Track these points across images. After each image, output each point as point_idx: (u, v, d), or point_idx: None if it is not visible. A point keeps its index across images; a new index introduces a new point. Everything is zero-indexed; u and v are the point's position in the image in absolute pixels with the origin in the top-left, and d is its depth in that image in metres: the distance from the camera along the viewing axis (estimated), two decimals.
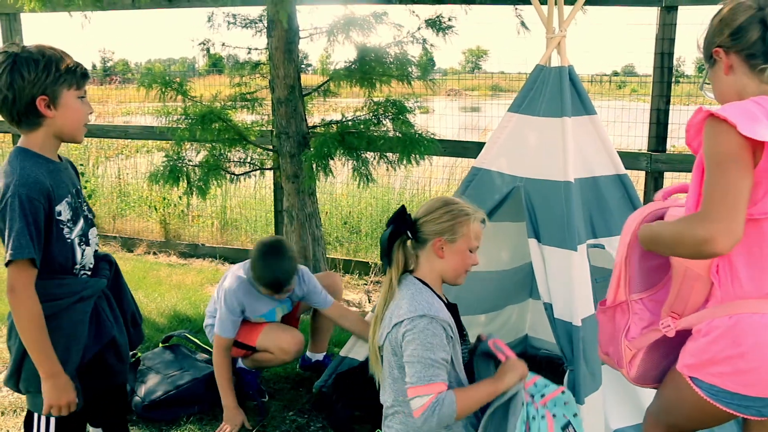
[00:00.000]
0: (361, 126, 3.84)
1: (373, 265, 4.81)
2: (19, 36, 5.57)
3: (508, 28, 3.90)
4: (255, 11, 4.11)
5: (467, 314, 2.22)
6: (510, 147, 2.70)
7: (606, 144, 2.71)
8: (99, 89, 12.95)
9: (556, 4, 2.70)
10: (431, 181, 6.16)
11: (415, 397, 1.87)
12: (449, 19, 3.86)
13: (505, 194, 2.66)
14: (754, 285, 1.52)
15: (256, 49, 4.22)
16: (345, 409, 2.75)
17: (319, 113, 4.59)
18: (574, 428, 2.01)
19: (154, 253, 5.51)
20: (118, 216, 6.14)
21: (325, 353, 3.25)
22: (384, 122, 3.86)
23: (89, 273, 1.94)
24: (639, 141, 4.50)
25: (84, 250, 1.90)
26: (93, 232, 1.96)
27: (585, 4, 2.84)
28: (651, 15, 3.83)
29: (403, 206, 2.07)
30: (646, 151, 3.95)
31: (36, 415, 1.89)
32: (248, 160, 4.25)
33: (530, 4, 2.78)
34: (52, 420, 1.88)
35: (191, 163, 4.03)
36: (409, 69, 3.79)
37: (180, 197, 5.78)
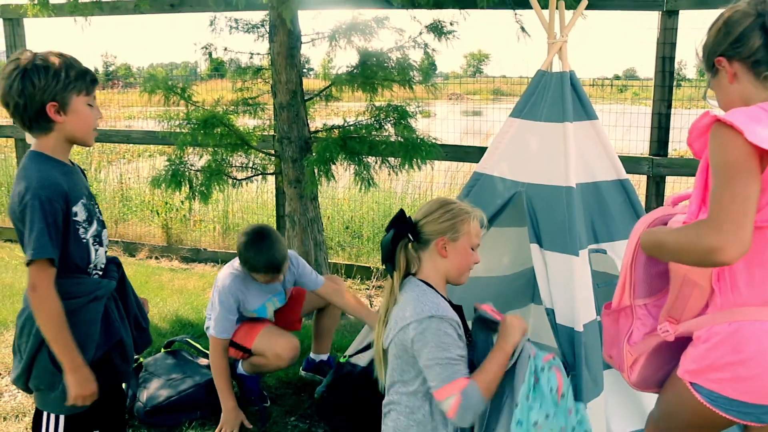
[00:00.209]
0: (363, 131, 3.84)
1: (375, 270, 4.81)
2: (23, 41, 5.60)
3: (510, 32, 3.91)
4: (257, 16, 4.12)
5: (469, 319, 2.22)
6: (512, 152, 2.70)
7: (607, 149, 2.71)
8: (101, 93, 13.01)
9: (557, 9, 2.71)
10: (433, 185, 6.17)
11: (443, 400, 1.87)
12: (450, 24, 3.87)
13: (506, 199, 2.66)
14: (755, 293, 1.51)
15: (258, 53, 4.24)
16: (345, 417, 2.74)
17: (321, 118, 4.60)
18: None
19: (156, 258, 5.52)
20: (120, 220, 6.15)
21: (328, 354, 3.26)
22: (386, 127, 3.87)
23: (101, 273, 2.00)
24: (640, 145, 4.50)
25: (97, 251, 1.96)
26: (105, 234, 2.02)
27: (586, 8, 2.84)
28: (652, 19, 3.83)
29: (401, 210, 2.08)
30: (647, 156, 3.95)
31: (45, 414, 1.94)
32: (250, 164, 4.25)
33: (531, 8, 2.78)
34: (62, 418, 1.93)
35: (193, 168, 4.04)
36: (411, 73, 3.80)
37: (182, 202, 5.79)
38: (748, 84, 1.54)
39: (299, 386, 3.17)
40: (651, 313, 1.76)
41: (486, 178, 2.74)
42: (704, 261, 1.41)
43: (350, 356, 2.92)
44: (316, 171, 3.67)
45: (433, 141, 3.75)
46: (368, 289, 4.64)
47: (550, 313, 2.45)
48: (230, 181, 4.11)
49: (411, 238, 2.05)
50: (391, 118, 3.85)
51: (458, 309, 2.09)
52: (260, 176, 4.35)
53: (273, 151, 4.21)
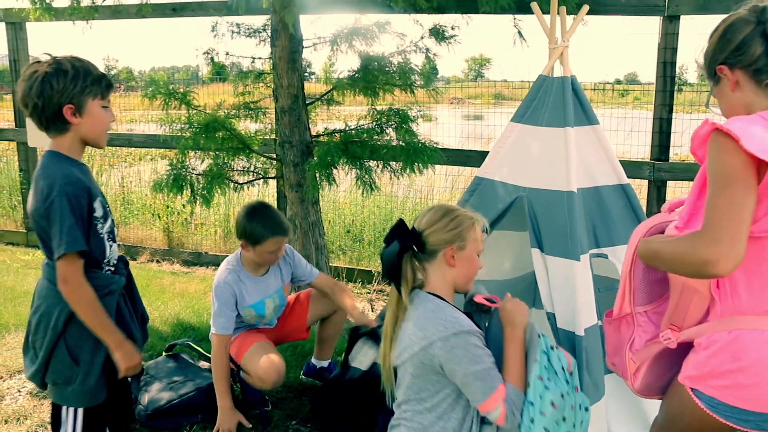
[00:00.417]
0: (365, 135, 3.85)
1: (376, 274, 4.81)
2: (25, 44, 5.62)
3: (511, 37, 3.91)
4: (259, 20, 4.14)
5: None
6: (513, 157, 2.71)
7: (609, 153, 2.71)
8: None
9: (558, 14, 2.72)
10: (434, 189, 6.17)
11: (490, 411, 1.86)
12: (452, 28, 3.88)
13: (508, 204, 2.66)
14: (754, 301, 1.51)
15: (260, 58, 4.24)
16: (338, 421, 2.74)
17: (322, 122, 4.60)
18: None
19: (158, 261, 5.52)
20: (122, 224, 6.15)
21: (329, 360, 3.26)
22: (387, 131, 3.87)
23: (112, 269, 2.06)
24: (642, 149, 4.50)
25: (111, 246, 2.03)
26: (115, 231, 2.09)
27: (587, 14, 2.85)
28: (653, 24, 3.84)
29: (401, 220, 2.00)
30: (648, 160, 3.95)
31: (64, 408, 2.00)
32: (252, 168, 4.26)
33: (532, 14, 2.79)
34: (80, 411, 2.00)
35: (195, 172, 4.04)
36: (412, 78, 3.80)
37: (183, 205, 5.79)
38: (750, 92, 1.53)
39: (300, 390, 3.18)
40: (652, 320, 1.76)
41: (487, 182, 2.75)
42: (699, 273, 1.40)
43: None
44: (317, 175, 3.68)
45: (435, 145, 3.76)
46: (369, 293, 4.64)
47: (551, 317, 2.45)
48: (232, 184, 4.12)
49: (416, 249, 1.98)
50: (393, 123, 3.86)
51: (468, 316, 2.06)
52: (262, 180, 4.36)
53: (274, 155, 4.22)
